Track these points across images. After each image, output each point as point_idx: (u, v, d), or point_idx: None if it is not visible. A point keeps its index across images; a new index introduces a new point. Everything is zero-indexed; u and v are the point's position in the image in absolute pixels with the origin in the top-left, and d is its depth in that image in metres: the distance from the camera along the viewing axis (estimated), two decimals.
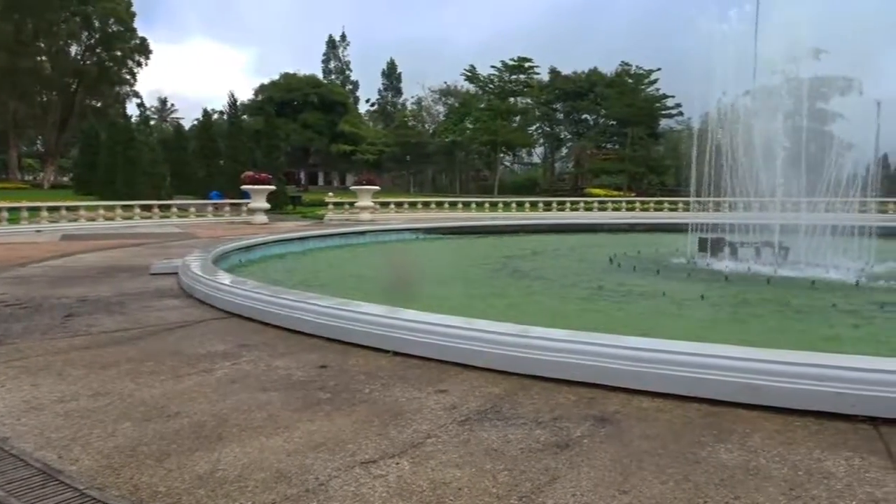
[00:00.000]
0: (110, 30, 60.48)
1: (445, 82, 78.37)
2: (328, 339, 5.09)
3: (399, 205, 30.31)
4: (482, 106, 68.37)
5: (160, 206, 25.77)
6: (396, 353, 4.60)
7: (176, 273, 8.59)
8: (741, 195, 13.29)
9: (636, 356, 3.81)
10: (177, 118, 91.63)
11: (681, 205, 29.83)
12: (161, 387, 3.95)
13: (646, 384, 3.73)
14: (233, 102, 38.68)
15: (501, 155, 71.10)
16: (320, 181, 78.57)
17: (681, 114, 61.56)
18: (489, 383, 3.94)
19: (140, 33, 62.84)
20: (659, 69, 63.17)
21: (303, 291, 6.48)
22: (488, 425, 3.25)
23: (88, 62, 61.31)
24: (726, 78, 14.52)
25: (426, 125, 78.54)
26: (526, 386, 3.88)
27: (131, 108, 63.79)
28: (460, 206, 31.52)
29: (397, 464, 2.80)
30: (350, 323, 5.05)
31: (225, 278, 7.26)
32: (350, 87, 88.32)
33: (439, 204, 31.19)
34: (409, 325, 4.73)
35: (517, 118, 70.84)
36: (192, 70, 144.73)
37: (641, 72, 65.13)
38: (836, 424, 3.23)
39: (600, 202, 33.72)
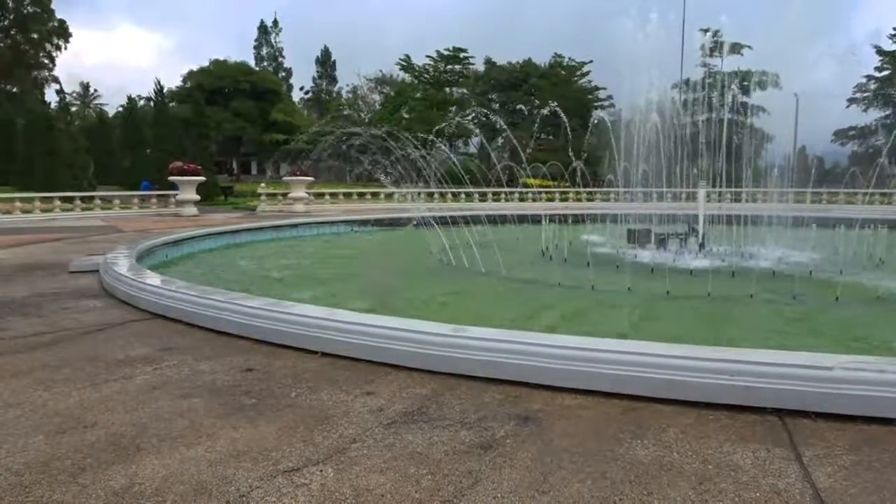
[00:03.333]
0: (26, 11, 57.51)
1: (381, 71, 77.85)
2: (256, 341, 5.01)
3: (334, 196, 29.98)
4: (418, 96, 68.25)
5: (82, 198, 24.72)
6: (325, 354, 4.57)
7: (97, 271, 8.28)
8: (666, 186, 13.75)
9: (561, 354, 3.90)
10: (100, 105, 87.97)
11: (612, 195, 30.53)
12: (77, 395, 3.81)
13: (570, 382, 3.82)
14: (159, 89, 37.23)
15: (438, 145, 71.16)
16: (253, 171, 76.90)
17: (612, 105, 63.02)
18: (417, 384, 3.96)
19: (59, 15, 60.04)
20: (591, 61, 64.56)
21: (230, 291, 6.34)
22: (414, 428, 3.27)
23: (2, 45, 58.10)
24: (654, 71, 14.97)
25: (362, 114, 77.73)
26: (453, 386, 3.92)
27: (50, 94, 60.82)
28: (396, 197, 31.36)
29: (321, 471, 2.79)
30: (278, 324, 4.98)
31: (149, 277, 7.04)
32: (283, 74, 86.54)
33: (375, 195, 30.99)
34: (338, 325, 4.70)
35: (453, 108, 70.92)
36: (116, 55, 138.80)
37: (573, 64, 66.34)
38: (745, 417, 3.39)
39: (535, 193, 34.19)
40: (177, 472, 2.80)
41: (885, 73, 57.34)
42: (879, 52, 57.20)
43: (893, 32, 56.37)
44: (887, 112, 57.69)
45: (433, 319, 4.74)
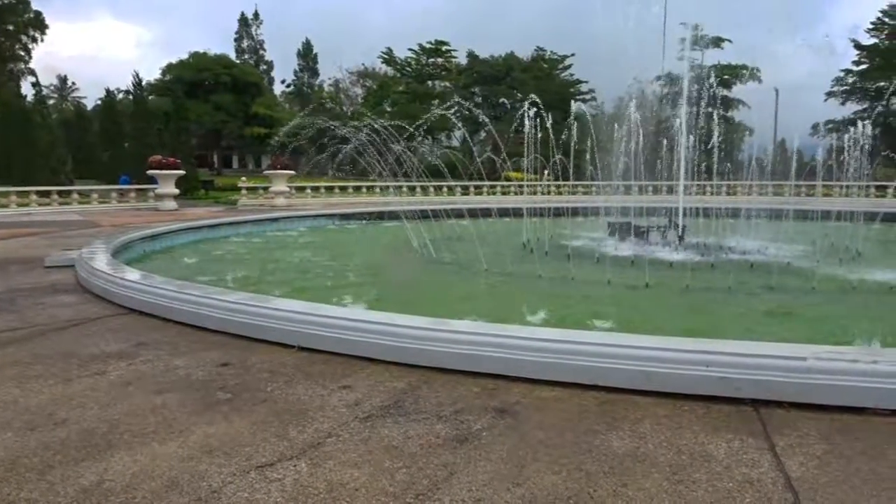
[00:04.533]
0: (1, 2, 56.46)
1: (363, 64, 77.49)
2: (234, 336, 4.96)
3: (315, 189, 29.80)
4: (400, 89, 68.09)
5: (59, 192, 24.40)
6: (302, 349, 4.54)
7: (73, 266, 8.17)
8: (647, 179, 13.82)
9: (539, 347, 3.90)
10: (78, 98, 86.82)
11: (594, 189, 30.63)
12: (49, 392, 3.75)
13: (548, 374, 3.82)
14: (137, 82, 36.83)
15: (420, 138, 71.00)
16: (235, 164, 76.37)
17: (594, 99, 63.25)
18: (394, 377, 3.94)
19: (35, 6, 59.07)
20: (573, 55, 64.74)
21: (207, 286, 6.28)
22: (390, 421, 3.26)
23: None
24: (636, 64, 15.02)
25: (344, 108, 77.33)
26: (431, 379, 3.90)
27: (27, 87, 59.75)
28: (378, 190, 31.26)
29: (295, 466, 2.76)
30: (256, 318, 4.93)
31: (125, 272, 6.95)
32: (264, 67, 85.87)
33: (357, 188, 30.87)
34: (315, 319, 4.66)
35: (435, 102, 70.82)
36: (94, 47, 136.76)
37: (556, 57, 66.52)
38: (721, 408, 3.40)
39: (517, 186, 34.20)
40: (148, 468, 2.76)
41: (863, 66, 57.93)
42: (857, 45, 57.79)
43: (871, 27, 56.98)
44: (864, 105, 58.25)
45: (411, 313, 4.72)
